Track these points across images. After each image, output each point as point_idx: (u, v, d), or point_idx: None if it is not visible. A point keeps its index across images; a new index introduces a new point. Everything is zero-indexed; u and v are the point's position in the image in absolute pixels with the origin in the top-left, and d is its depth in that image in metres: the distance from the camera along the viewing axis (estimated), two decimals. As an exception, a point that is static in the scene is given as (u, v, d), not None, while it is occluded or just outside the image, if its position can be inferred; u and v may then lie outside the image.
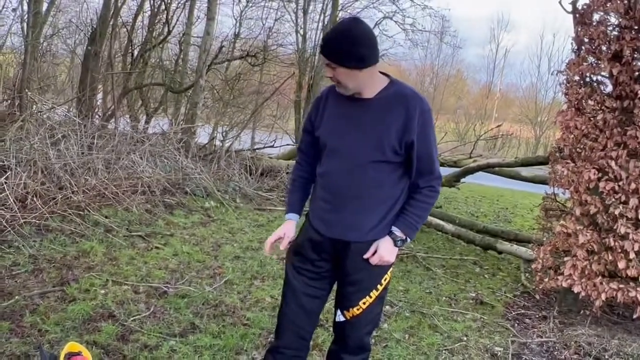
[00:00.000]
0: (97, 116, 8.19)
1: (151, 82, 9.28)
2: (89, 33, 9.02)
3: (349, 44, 1.89)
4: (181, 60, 9.64)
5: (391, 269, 2.13)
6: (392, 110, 1.97)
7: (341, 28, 1.94)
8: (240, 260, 4.59)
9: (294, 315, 2.15)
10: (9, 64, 8.56)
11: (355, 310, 2.08)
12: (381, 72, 2.04)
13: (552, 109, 21.36)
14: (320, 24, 10.87)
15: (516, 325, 3.83)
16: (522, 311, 4.10)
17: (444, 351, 3.26)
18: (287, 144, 9.62)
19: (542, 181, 5.34)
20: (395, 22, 11.71)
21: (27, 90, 6.59)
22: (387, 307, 3.86)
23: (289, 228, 2.20)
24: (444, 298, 4.17)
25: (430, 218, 6.07)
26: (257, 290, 3.91)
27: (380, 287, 2.08)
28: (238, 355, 2.93)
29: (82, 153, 5.71)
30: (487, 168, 6.20)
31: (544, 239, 4.46)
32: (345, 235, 2.04)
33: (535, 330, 3.74)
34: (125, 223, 4.99)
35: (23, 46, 7.82)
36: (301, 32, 10.60)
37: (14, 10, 7.91)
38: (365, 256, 2.02)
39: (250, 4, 10.55)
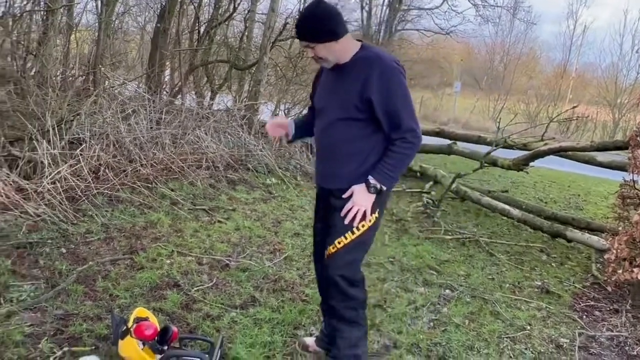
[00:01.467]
0: (164, 92, 8.48)
1: (216, 59, 9.47)
2: (158, 10, 9.30)
3: (317, 22, 2.20)
4: (246, 37, 9.74)
5: (372, 217, 2.31)
6: (356, 73, 2.23)
7: (306, 12, 2.25)
8: (299, 237, 4.66)
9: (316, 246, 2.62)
10: (84, 40, 8.98)
11: (331, 249, 2.32)
12: (358, 40, 2.33)
13: (634, 90, 19.98)
14: (386, 0, 10.62)
15: (584, 317, 3.68)
16: (592, 303, 3.93)
17: (505, 339, 3.19)
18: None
19: (620, 167, 5.02)
20: (465, -3, 11.27)
21: (100, 66, 6.92)
22: (447, 291, 3.81)
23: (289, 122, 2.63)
24: (507, 285, 4.06)
25: (494, 202, 5.90)
26: (315, 268, 3.96)
27: (356, 231, 2.29)
28: (296, 329, 2.99)
29: (151, 128, 5.95)
30: (560, 152, 5.91)
31: (620, 228, 4.23)
32: (325, 183, 2.42)
33: (605, 323, 3.58)
34: (190, 197, 5.18)
35: (97, 24, 8.19)
36: (366, 8, 10.43)
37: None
38: (344, 196, 2.28)
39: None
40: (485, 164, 6.06)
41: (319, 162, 2.49)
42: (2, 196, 4.00)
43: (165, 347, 2.50)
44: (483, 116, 22.37)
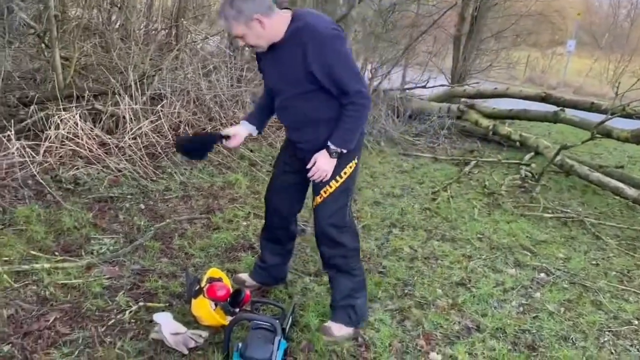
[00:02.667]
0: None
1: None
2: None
3: (233, 8, 2.24)
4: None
5: (351, 163, 2.53)
6: (293, 47, 2.30)
7: (221, 5, 2.32)
8: (379, 206, 4.65)
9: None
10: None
11: (318, 199, 2.55)
12: (286, 9, 2.37)
13: None
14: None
15: None
16: None
17: (607, 332, 3.02)
18: (442, 84, 9.28)
19: None
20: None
21: (182, 20, 7.15)
22: (542, 274, 3.66)
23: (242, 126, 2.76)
24: (614, 273, 3.83)
25: (606, 179, 5.51)
26: (395, 239, 3.95)
27: (339, 179, 2.52)
28: (371, 302, 3.01)
29: (231, 85, 6.11)
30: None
31: None
32: (301, 145, 2.59)
33: None
34: (269, 158, 5.30)
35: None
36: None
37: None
38: (307, 167, 2.49)
39: None
40: (597, 135, 5.66)
41: (290, 133, 2.67)
42: (85, 150, 4.32)
43: (237, 310, 2.62)
44: (599, 80, 20.79)
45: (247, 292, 2.65)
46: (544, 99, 7.28)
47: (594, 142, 6.98)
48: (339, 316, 2.69)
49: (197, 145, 2.81)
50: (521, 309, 3.18)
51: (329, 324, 2.68)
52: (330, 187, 2.53)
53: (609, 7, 24.84)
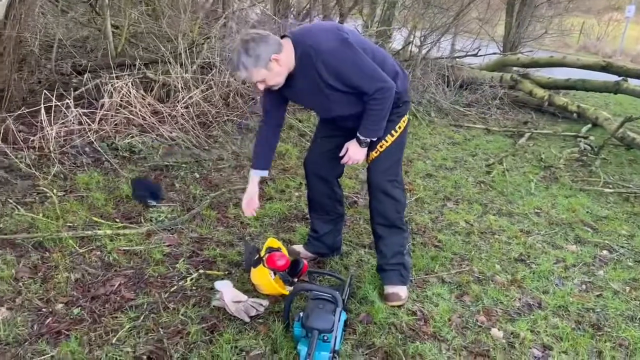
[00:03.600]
0: (291, 15, 8.54)
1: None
2: None
3: (250, 56, 2.24)
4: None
5: (404, 117, 2.64)
6: (306, 74, 2.35)
7: (235, 57, 2.28)
8: (432, 178, 4.58)
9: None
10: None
11: (374, 154, 2.62)
12: (283, 37, 2.37)
13: None
14: None
15: None
16: None
17: (675, 314, 2.92)
18: (494, 53, 8.99)
19: None
20: None
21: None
22: (605, 251, 3.55)
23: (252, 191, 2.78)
24: (681, 252, 3.68)
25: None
26: (450, 213, 3.90)
27: (395, 133, 2.61)
28: (427, 275, 3.00)
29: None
30: None
31: None
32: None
33: None
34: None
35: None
36: None
37: None
38: (340, 154, 2.62)
39: None
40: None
41: (337, 123, 2.69)
42: (139, 118, 4.39)
43: (295, 280, 2.63)
44: (660, 48, 19.81)
45: (305, 262, 2.67)
46: (605, 68, 6.99)
47: (656, 114, 6.68)
48: (394, 278, 2.74)
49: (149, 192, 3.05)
50: (584, 287, 3.10)
51: (390, 289, 2.71)
52: (386, 141, 2.61)
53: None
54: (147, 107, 4.53)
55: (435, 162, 4.99)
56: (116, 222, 3.14)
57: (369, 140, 2.54)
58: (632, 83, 6.66)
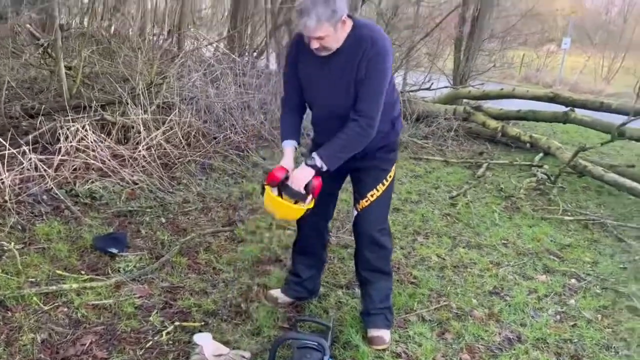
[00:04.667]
0: (249, 54, 8.57)
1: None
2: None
3: (329, 7, 2.14)
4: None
5: (394, 166, 2.60)
6: (350, 56, 2.28)
7: (307, 4, 2.15)
8: (400, 213, 4.60)
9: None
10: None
11: (364, 202, 2.57)
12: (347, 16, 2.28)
13: None
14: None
15: None
16: None
17: (647, 339, 2.99)
18: (445, 86, 9.27)
19: None
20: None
21: (189, 26, 7.08)
22: (573, 280, 3.63)
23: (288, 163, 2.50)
24: (644, 276, 3.81)
25: (621, 179, 5.50)
26: (421, 247, 3.91)
27: (385, 182, 2.57)
28: (407, 314, 2.97)
29: (240, 93, 6.04)
30: None
31: None
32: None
33: None
34: (282, 166, 5.24)
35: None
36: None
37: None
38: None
39: None
40: (618, 137, 5.63)
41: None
42: (99, 162, 4.24)
43: (310, 197, 2.41)
44: (594, 77, 20.94)
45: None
46: (552, 99, 7.29)
47: (601, 141, 6.99)
48: (379, 321, 2.69)
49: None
50: (558, 317, 3.14)
51: (374, 332, 2.66)
52: (377, 190, 2.56)
53: (601, 3, 25.03)
54: (106, 150, 4.38)
55: (401, 196, 5.03)
56: (82, 274, 2.98)
57: (319, 165, 2.34)
58: (579, 113, 6.96)
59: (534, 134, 7.15)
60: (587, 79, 20.97)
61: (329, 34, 2.21)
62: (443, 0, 9.74)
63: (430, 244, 4.00)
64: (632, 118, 5.57)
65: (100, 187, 4.02)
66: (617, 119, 6.58)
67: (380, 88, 2.31)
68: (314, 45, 2.26)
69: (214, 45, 8.08)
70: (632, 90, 16.55)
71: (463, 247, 3.99)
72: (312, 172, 2.36)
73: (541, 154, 6.79)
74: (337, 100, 2.39)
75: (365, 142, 2.37)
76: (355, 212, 2.64)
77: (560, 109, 7.28)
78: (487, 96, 8.40)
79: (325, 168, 2.37)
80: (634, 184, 5.40)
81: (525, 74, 19.72)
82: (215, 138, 5.20)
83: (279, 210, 2.45)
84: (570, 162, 5.73)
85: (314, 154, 2.35)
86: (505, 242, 4.18)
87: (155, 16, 7.90)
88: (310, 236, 2.84)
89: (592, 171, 5.75)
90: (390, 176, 2.59)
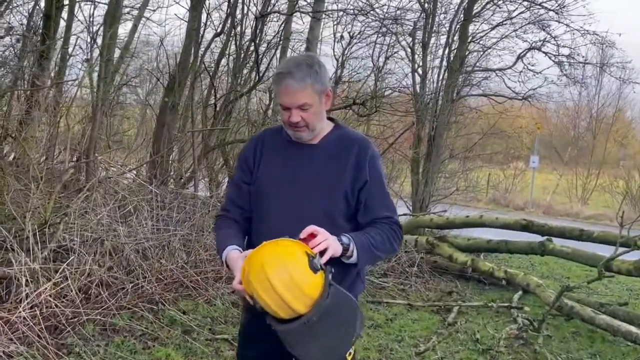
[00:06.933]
0: (173, 181, 8.44)
1: (236, 139, 9.48)
2: (165, 82, 9.48)
3: (316, 71, 2.18)
4: (271, 110, 9.80)
5: (355, 345, 2.38)
6: (339, 153, 2.30)
7: (292, 65, 2.20)
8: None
9: None
10: (74, 117, 9.04)
11: None
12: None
13: None
14: (444, 62, 10.68)
15: None
16: None
17: None
18: (404, 214, 9.30)
19: None
20: (546, 53, 11.23)
21: (96, 154, 6.93)
22: None
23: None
24: None
25: (616, 322, 5.38)
26: None
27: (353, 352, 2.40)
28: None
29: (158, 229, 5.78)
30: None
31: None
32: None
33: None
34: (208, 321, 4.89)
35: (91, 100, 8.31)
36: (419, 71, 10.48)
37: (86, 60, 8.50)
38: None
39: (356, 41, 10.63)
40: (606, 274, 5.59)
41: None
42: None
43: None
44: (569, 197, 21.89)
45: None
46: (526, 227, 7.33)
47: (586, 274, 6.98)
48: None
49: None
50: None
51: None
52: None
53: (567, 119, 26.85)
54: (-25, 312, 3.95)
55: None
56: None
57: (351, 249, 2.16)
58: (557, 242, 7.00)
59: (509, 269, 7.11)
60: (561, 199, 21.92)
61: (314, 103, 2.21)
62: (395, 119, 10.09)
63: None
64: (620, 252, 5.57)
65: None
66: (600, 249, 6.65)
67: (387, 192, 2.40)
68: (295, 118, 2.21)
69: (132, 172, 7.92)
70: (610, 211, 17.31)
71: None
72: (340, 251, 2.14)
73: (520, 292, 6.69)
74: (305, 195, 2.27)
75: (396, 249, 2.38)
76: None
77: (535, 237, 7.33)
78: (452, 224, 8.44)
79: (354, 257, 2.20)
80: (630, 328, 5.28)
81: (493, 196, 20.41)
82: (122, 289, 4.83)
83: (304, 286, 1.98)
84: (554, 304, 5.61)
85: (345, 235, 2.19)
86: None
87: (59, 139, 7.71)
88: None
89: (581, 313, 5.64)
90: (350, 354, 2.42)
